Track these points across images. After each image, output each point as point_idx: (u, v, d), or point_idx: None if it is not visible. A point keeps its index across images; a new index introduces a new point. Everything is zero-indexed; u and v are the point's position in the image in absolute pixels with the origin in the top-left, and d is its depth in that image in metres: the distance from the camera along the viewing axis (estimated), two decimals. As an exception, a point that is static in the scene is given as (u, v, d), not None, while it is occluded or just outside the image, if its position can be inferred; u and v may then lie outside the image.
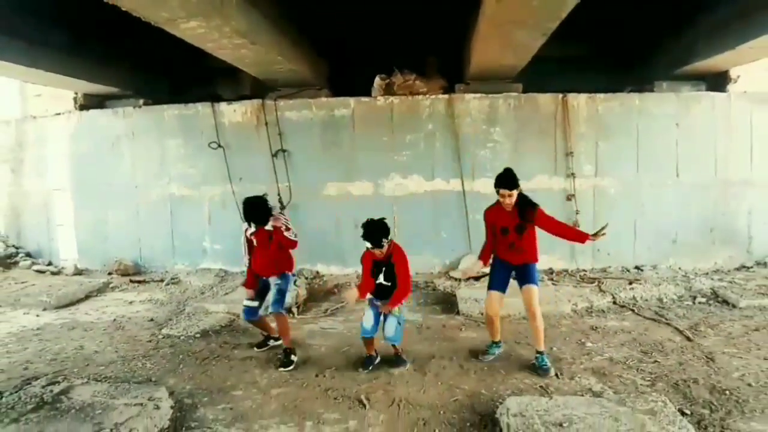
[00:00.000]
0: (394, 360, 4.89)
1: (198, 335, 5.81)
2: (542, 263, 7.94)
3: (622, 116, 8.07)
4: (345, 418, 3.92)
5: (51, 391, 4.16)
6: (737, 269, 8.06)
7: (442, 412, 3.98)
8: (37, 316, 6.69)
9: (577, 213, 8.00)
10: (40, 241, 9.61)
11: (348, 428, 3.78)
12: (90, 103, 9.20)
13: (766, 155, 8.17)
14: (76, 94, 9.19)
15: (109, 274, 8.63)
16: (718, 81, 8.39)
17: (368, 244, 4.63)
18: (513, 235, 4.74)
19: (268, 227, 5.13)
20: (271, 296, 5.24)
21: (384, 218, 4.66)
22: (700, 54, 7.47)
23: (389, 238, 4.68)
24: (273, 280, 5.24)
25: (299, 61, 7.65)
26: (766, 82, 8.37)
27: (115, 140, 8.83)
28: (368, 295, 4.85)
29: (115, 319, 6.47)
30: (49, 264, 9.33)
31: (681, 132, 8.07)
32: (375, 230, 4.58)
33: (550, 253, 8.14)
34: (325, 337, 5.71)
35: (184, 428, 3.80)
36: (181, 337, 5.76)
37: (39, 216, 9.52)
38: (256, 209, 5.15)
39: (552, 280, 7.71)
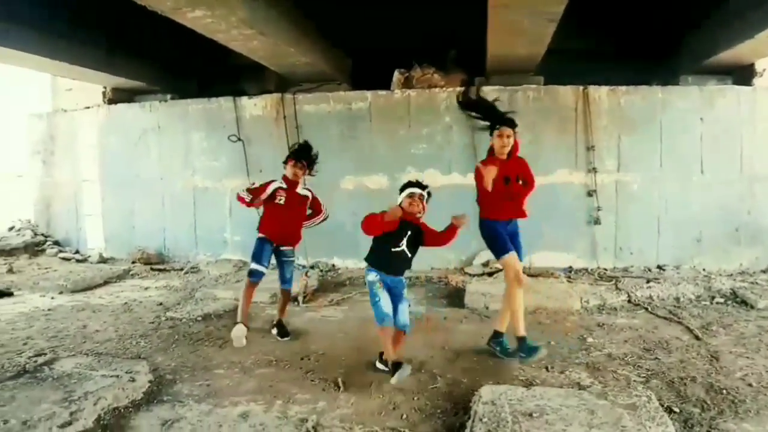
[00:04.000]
0: (393, 369, 4.01)
1: (199, 318, 5.92)
2: (561, 261, 7.90)
3: (645, 110, 7.75)
4: (315, 399, 3.88)
5: (35, 361, 4.35)
6: (763, 271, 7.60)
7: (416, 398, 3.89)
8: (52, 298, 6.91)
9: (598, 209, 7.73)
10: (69, 230, 10.03)
11: (316, 408, 3.73)
12: (118, 97, 9.52)
13: (794, 151, 7.67)
14: (105, 88, 9.54)
15: (133, 262, 8.90)
16: (744, 75, 7.99)
17: (416, 191, 4.22)
18: (514, 184, 4.53)
19: (303, 192, 5.20)
20: (287, 272, 5.33)
21: None
22: (720, 45, 7.14)
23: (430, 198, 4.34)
24: (288, 253, 5.29)
25: (315, 54, 7.73)
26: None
27: (142, 133, 9.12)
28: (375, 276, 4.24)
29: (125, 303, 6.65)
30: (76, 252, 9.71)
31: (706, 126, 7.68)
32: (420, 183, 4.31)
33: (569, 251, 7.93)
34: (323, 324, 5.71)
35: (156, 401, 3.84)
36: (183, 320, 5.87)
37: (68, 206, 9.93)
38: (309, 149, 5.24)
39: (569, 278, 7.46)
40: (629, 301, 6.39)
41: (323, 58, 8.04)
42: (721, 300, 6.35)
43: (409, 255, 4.28)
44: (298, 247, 5.57)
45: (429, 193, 4.37)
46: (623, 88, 7.76)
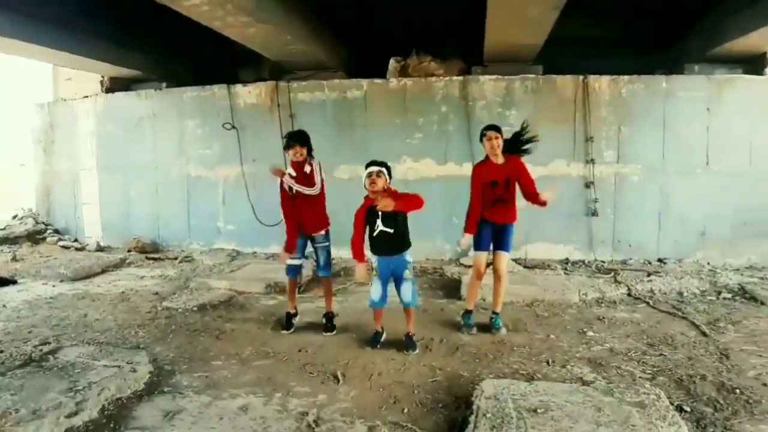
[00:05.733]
0: (405, 342, 4.64)
1: (195, 308, 5.86)
2: (558, 253, 7.84)
3: (648, 100, 7.64)
4: (315, 392, 3.81)
5: (41, 350, 4.44)
6: (772, 266, 7.48)
7: (416, 391, 3.82)
8: (53, 286, 6.92)
9: (596, 201, 7.67)
10: (68, 219, 9.97)
11: (315, 402, 3.66)
12: (116, 86, 9.44)
13: (807, 143, 7.54)
14: (103, 77, 9.44)
15: (128, 251, 8.83)
16: (756, 64, 7.77)
17: (373, 169, 4.47)
18: (502, 187, 4.86)
19: (309, 169, 5.03)
20: (321, 258, 5.21)
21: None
22: (729, 34, 6.96)
23: (390, 177, 4.59)
24: (320, 239, 5.17)
25: (312, 42, 7.59)
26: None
27: (138, 121, 9.03)
28: (373, 259, 4.63)
29: (123, 292, 6.61)
30: (75, 240, 9.67)
31: (712, 117, 7.56)
32: (377, 161, 4.56)
33: (566, 242, 7.86)
34: (319, 315, 5.58)
35: (156, 392, 3.81)
36: (179, 310, 5.82)
37: (67, 194, 9.86)
38: (298, 132, 5.15)
39: (566, 270, 7.40)
40: (629, 295, 6.32)
41: (319, 46, 7.90)
42: (729, 295, 6.24)
43: (391, 231, 4.47)
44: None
45: (387, 167, 4.59)
46: (625, 77, 7.65)
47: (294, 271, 5.25)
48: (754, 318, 5.46)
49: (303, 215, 5.08)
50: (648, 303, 6.02)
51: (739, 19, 6.74)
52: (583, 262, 7.78)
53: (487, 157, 4.99)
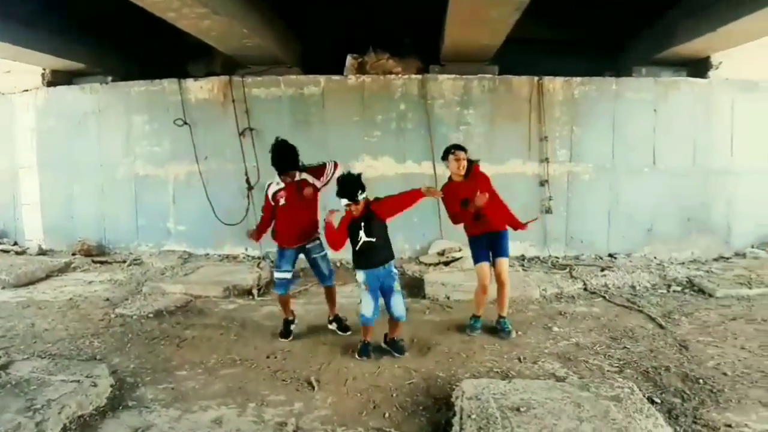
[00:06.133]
0: (394, 345, 4.56)
1: (151, 315, 5.62)
2: (514, 249, 7.77)
3: (599, 101, 7.89)
4: (291, 400, 3.72)
5: None
6: (715, 260, 7.86)
7: (394, 395, 3.79)
8: (-6, 294, 6.47)
9: (550, 199, 7.85)
10: (6, 221, 9.38)
11: (293, 410, 3.57)
12: (58, 79, 8.90)
13: (747, 144, 7.97)
14: (45, 70, 8.86)
15: (73, 254, 8.38)
16: (699, 67, 8.16)
17: (345, 201, 4.30)
18: (473, 205, 4.74)
19: (300, 177, 4.75)
20: (324, 268, 5.02)
21: (360, 173, 4.41)
22: (680, 37, 7.26)
23: (365, 193, 4.37)
24: (315, 248, 4.96)
25: (268, 36, 7.42)
26: (748, 68, 8.09)
27: (82, 117, 8.57)
28: (361, 274, 4.45)
29: (71, 298, 6.27)
30: (15, 244, 9.08)
31: (659, 118, 7.88)
32: (348, 184, 4.31)
33: (522, 239, 7.96)
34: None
35: (121, 407, 3.61)
36: (134, 317, 5.57)
37: (5, 195, 9.25)
38: (285, 151, 4.72)
39: (523, 266, 7.55)
40: (585, 289, 6.51)
41: (274, 40, 7.71)
42: (678, 288, 6.51)
43: (374, 241, 4.38)
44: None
45: (362, 186, 4.34)
46: (577, 79, 7.86)
47: (284, 285, 4.96)
48: (705, 310, 5.71)
49: (296, 226, 4.87)
50: (604, 297, 6.23)
51: (687, 25, 7.03)
52: (539, 258, 7.97)
53: (450, 178, 5.03)
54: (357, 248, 4.43)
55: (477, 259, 5.00)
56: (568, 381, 3.82)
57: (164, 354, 4.60)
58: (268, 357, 4.52)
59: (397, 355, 4.49)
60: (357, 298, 4.98)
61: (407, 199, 4.51)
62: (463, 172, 4.88)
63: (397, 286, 4.50)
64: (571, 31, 8.90)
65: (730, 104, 7.97)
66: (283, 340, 4.91)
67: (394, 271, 4.53)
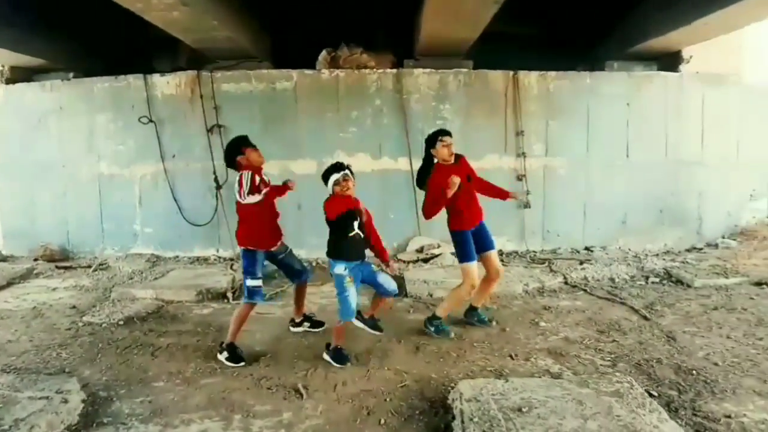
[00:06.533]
0: (373, 323, 4.48)
1: (121, 322, 5.32)
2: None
3: (573, 95, 7.88)
4: (279, 410, 3.52)
5: None
6: (687, 250, 7.98)
7: (388, 399, 3.63)
8: (-50, 303, 6.06)
9: (527, 193, 7.78)
10: (-37, 226, 8.81)
11: (282, 421, 3.38)
12: (16, 76, 8.41)
13: (717, 137, 8.10)
14: (2, 67, 8.38)
15: (35, 260, 7.97)
16: (670, 61, 8.25)
17: (336, 176, 4.12)
18: (467, 186, 4.67)
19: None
20: (295, 263, 4.74)
21: None
22: (652, 32, 7.30)
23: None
24: (280, 250, 4.62)
25: (238, 29, 7.15)
26: (718, 63, 8.24)
27: (42, 116, 8.15)
28: (343, 268, 4.19)
29: (35, 307, 5.92)
30: (-27, 251, 8.56)
31: (632, 112, 7.94)
32: (335, 164, 4.25)
33: (499, 234, 7.86)
34: (261, 322, 5.24)
35: (95, 424, 3.35)
36: (103, 325, 5.26)
37: (-38, 199, 8.70)
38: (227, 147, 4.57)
39: (502, 261, 7.46)
40: (566, 283, 6.50)
41: (243, 33, 7.43)
42: (656, 279, 6.56)
43: (362, 236, 4.32)
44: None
45: (349, 168, 4.29)
46: (552, 73, 7.84)
47: (261, 293, 4.49)
48: (685, 300, 5.76)
49: (268, 225, 4.50)
50: (586, 290, 6.23)
51: (660, 18, 7.06)
52: (517, 252, 7.93)
53: (437, 165, 4.77)
54: (348, 238, 4.22)
55: (467, 256, 4.68)
56: (566, 377, 3.76)
57: (138, 364, 4.33)
58: (249, 364, 4.29)
59: (375, 332, 4.47)
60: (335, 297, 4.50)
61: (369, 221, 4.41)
62: (452, 159, 4.73)
63: (375, 268, 4.49)
64: (543, 26, 8.90)
65: (701, 97, 8.07)
66: (233, 365, 4.28)
67: (371, 263, 4.53)
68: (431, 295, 6.01)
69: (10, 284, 6.87)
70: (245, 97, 7.81)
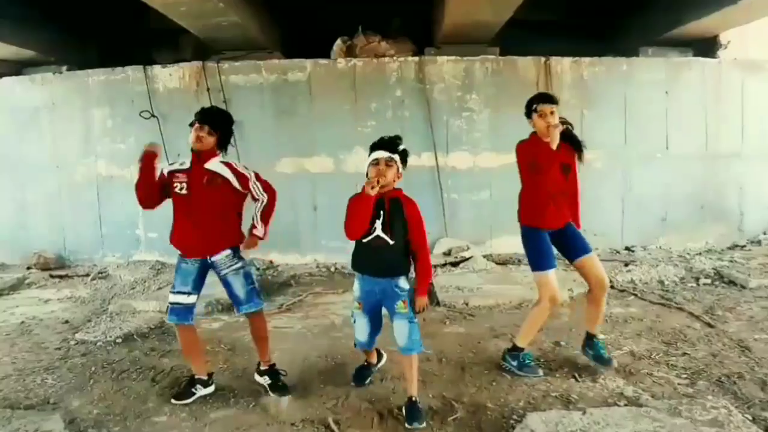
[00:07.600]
0: (406, 410, 3.18)
1: (119, 340, 4.67)
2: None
3: (609, 83, 7.32)
4: (307, 454, 2.88)
5: None
6: (730, 248, 7.45)
7: (440, 434, 3.00)
8: (-71, 319, 5.44)
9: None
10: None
11: (315, 467, 2.76)
12: (4, 70, 7.90)
13: (758, 127, 7.56)
14: (-10, 60, 7.87)
15: (28, 268, 7.39)
16: (706, 47, 7.72)
17: (376, 155, 3.18)
18: (560, 177, 3.65)
19: (218, 167, 3.42)
20: (234, 287, 3.46)
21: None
22: (687, 16, 6.79)
23: (405, 158, 3.30)
24: (220, 261, 3.43)
25: (245, 14, 6.58)
26: (758, 48, 7.76)
27: (33, 112, 7.60)
28: (356, 289, 3.35)
29: (23, 322, 5.30)
30: (-40, 259, 7.96)
31: (671, 100, 7.38)
32: (389, 138, 3.28)
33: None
34: (279, 339, 4.53)
35: (81, 475, 2.71)
36: (98, 344, 4.60)
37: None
38: (218, 110, 3.64)
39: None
40: (613, 287, 5.88)
41: (252, 19, 6.88)
42: (707, 281, 6.04)
43: (391, 242, 3.13)
44: (243, 247, 3.56)
45: (404, 152, 3.29)
46: (587, 59, 7.28)
47: (181, 313, 3.42)
48: (745, 303, 5.25)
49: (192, 226, 3.43)
50: (636, 295, 5.66)
51: (698, 1, 6.55)
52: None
53: (532, 135, 3.80)
54: (365, 241, 3.20)
55: (540, 264, 3.71)
56: (647, 403, 3.16)
57: (137, 392, 3.66)
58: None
59: (411, 424, 3.08)
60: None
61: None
62: (553, 134, 3.54)
63: (401, 307, 3.18)
64: (569, 11, 8.40)
65: (740, 85, 7.53)
66: (176, 402, 3.45)
67: (403, 287, 3.22)
68: (467, 304, 5.40)
69: (-2, 296, 6.27)
70: (256, 89, 7.25)
